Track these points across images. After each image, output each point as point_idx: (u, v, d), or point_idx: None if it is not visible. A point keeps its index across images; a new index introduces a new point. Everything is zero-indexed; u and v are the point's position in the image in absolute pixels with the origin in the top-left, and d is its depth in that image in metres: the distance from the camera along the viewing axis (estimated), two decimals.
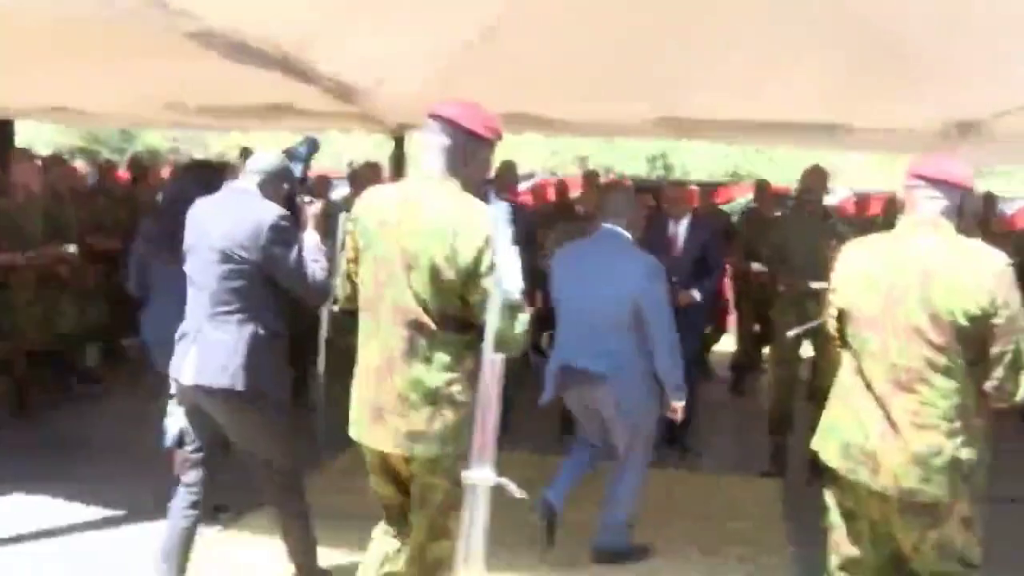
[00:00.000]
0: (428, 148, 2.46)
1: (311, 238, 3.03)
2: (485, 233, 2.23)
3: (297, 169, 3.09)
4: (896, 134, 5.73)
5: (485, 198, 2.35)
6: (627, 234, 3.80)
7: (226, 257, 2.87)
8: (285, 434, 3.01)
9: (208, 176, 3.68)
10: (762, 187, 7.30)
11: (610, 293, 3.59)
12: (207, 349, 2.86)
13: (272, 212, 2.91)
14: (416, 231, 2.34)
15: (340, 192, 8.16)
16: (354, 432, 2.52)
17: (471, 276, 2.27)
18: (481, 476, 2.11)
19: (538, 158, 19.51)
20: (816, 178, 4.42)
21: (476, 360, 2.24)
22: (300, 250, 2.90)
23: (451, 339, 2.34)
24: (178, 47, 4.16)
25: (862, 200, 7.55)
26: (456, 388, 2.35)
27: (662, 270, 3.75)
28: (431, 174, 2.44)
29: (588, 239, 3.89)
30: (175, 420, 3.16)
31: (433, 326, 2.34)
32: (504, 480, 2.07)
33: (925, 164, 2.49)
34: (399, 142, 7.85)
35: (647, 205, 6.31)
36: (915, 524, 2.36)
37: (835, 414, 2.54)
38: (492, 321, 1.99)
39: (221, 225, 2.90)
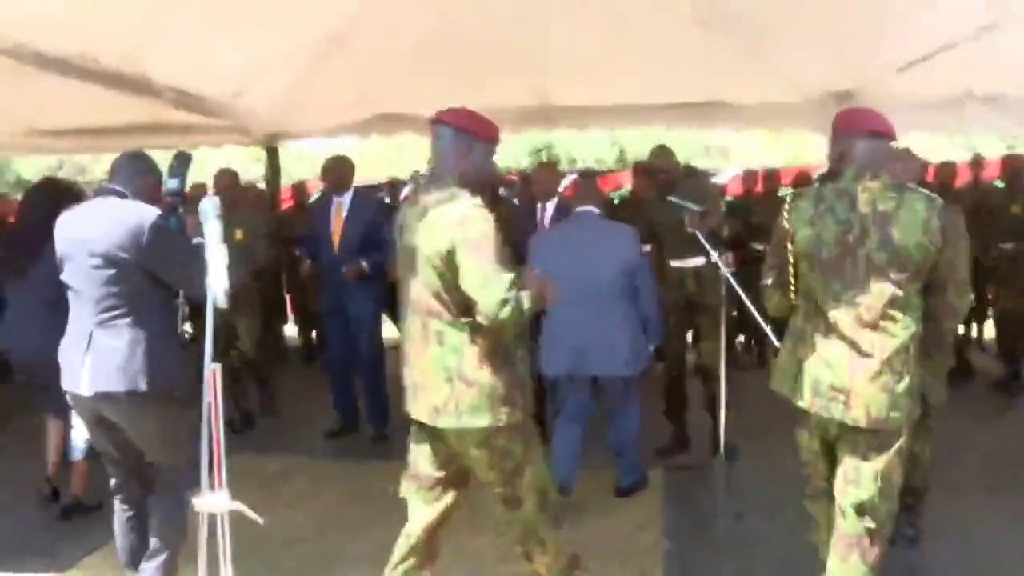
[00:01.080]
0: (431, 151, 2.65)
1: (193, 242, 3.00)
2: (461, 227, 2.45)
3: (174, 184, 3.07)
4: (776, 108, 5.99)
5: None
6: (600, 213, 4.28)
7: (108, 261, 2.85)
8: (184, 434, 2.94)
9: (56, 191, 3.81)
10: (637, 170, 7.46)
11: (611, 266, 4.00)
12: (101, 356, 2.86)
13: (150, 212, 2.86)
14: (418, 227, 2.55)
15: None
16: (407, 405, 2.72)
17: (452, 258, 2.48)
18: (214, 502, 2.21)
19: (419, 159, 19.51)
20: (662, 156, 4.57)
21: (490, 343, 2.51)
22: (182, 248, 2.88)
23: (457, 323, 2.54)
24: (11, 69, 4.02)
25: (749, 176, 7.85)
26: (468, 367, 2.53)
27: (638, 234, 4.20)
28: (434, 175, 2.63)
29: (568, 223, 4.30)
30: (79, 432, 3.15)
31: (441, 311, 2.54)
32: (239, 504, 2.16)
33: (853, 119, 2.68)
34: (272, 152, 7.71)
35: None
36: (871, 451, 2.59)
37: (797, 358, 2.70)
38: (210, 324, 2.26)
39: (97, 230, 2.88)
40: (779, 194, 7.24)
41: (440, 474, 2.73)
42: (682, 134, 15.12)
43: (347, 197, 5.08)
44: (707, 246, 3.84)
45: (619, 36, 4.92)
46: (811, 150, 17.39)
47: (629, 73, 5.45)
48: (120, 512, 3.13)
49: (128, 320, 2.87)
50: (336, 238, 5.03)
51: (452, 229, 2.46)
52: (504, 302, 2.40)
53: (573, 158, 19.05)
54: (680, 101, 6.08)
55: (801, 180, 7.20)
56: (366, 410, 5.22)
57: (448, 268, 2.48)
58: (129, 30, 3.99)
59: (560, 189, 5.18)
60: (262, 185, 7.92)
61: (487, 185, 2.77)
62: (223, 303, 2.46)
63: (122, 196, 2.98)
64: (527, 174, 7.86)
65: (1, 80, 4.41)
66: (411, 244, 2.58)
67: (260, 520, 2.17)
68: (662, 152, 4.69)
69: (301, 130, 7.24)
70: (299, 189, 8.00)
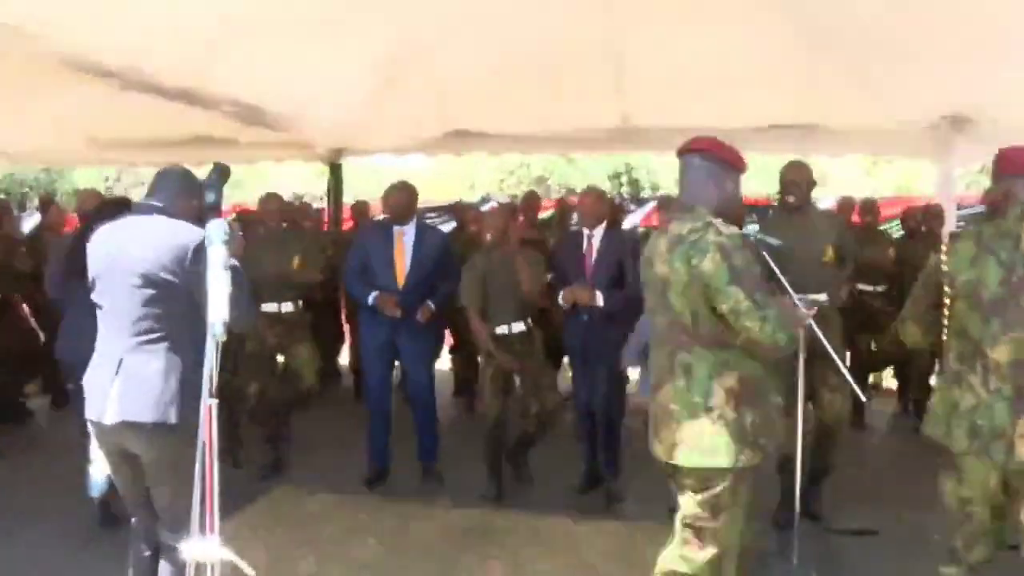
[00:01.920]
0: (680, 180, 2.78)
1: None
2: (716, 251, 2.55)
3: (211, 196, 2.98)
4: (880, 134, 5.71)
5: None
6: None
7: (149, 282, 2.78)
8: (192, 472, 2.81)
9: (118, 204, 3.82)
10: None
11: None
12: (134, 382, 2.78)
13: (196, 232, 2.78)
14: (670, 258, 2.65)
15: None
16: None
17: (710, 289, 2.56)
18: (204, 550, 2.15)
19: (490, 180, 19.53)
20: (795, 172, 4.32)
21: (738, 377, 2.59)
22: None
23: (706, 355, 2.61)
24: (72, 77, 4.07)
25: (845, 205, 7.45)
26: (714, 402, 2.59)
27: None
28: (682, 205, 2.73)
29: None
30: (99, 466, 3.06)
31: (690, 342, 2.62)
32: (230, 553, 2.12)
33: (1021, 158, 2.74)
34: (335, 169, 7.73)
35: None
36: None
37: (951, 401, 2.76)
38: (209, 357, 2.26)
39: (141, 247, 2.82)
40: (879, 228, 6.87)
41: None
42: (776, 160, 14.67)
43: (410, 228, 4.94)
44: (785, 284, 3.49)
45: (709, 54, 4.76)
46: (914, 179, 16.81)
47: (719, 94, 5.25)
48: (137, 553, 3.01)
49: (165, 345, 2.80)
50: (399, 272, 4.89)
51: (708, 259, 2.55)
52: (773, 329, 2.50)
53: (655, 183, 18.79)
54: (774, 123, 5.83)
55: (910, 215, 6.80)
56: (419, 447, 5.07)
57: (703, 298, 2.57)
58: (194, 43, 4.00)
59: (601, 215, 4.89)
60: (320, 203, 7.95)
61: (738, 216, 2.93)
62: (222, 335, 2.37)
63: (163, 213, 2.92)
64: (564, 202, 7.76)
65: (62, 89, 4.49)
66: (661, 274, 2.68)
67: (252, 573, 2.06)
68: (797, 168, 4.36)
69: (367, 146, 7.25)
70: (360, 209, 7.75)
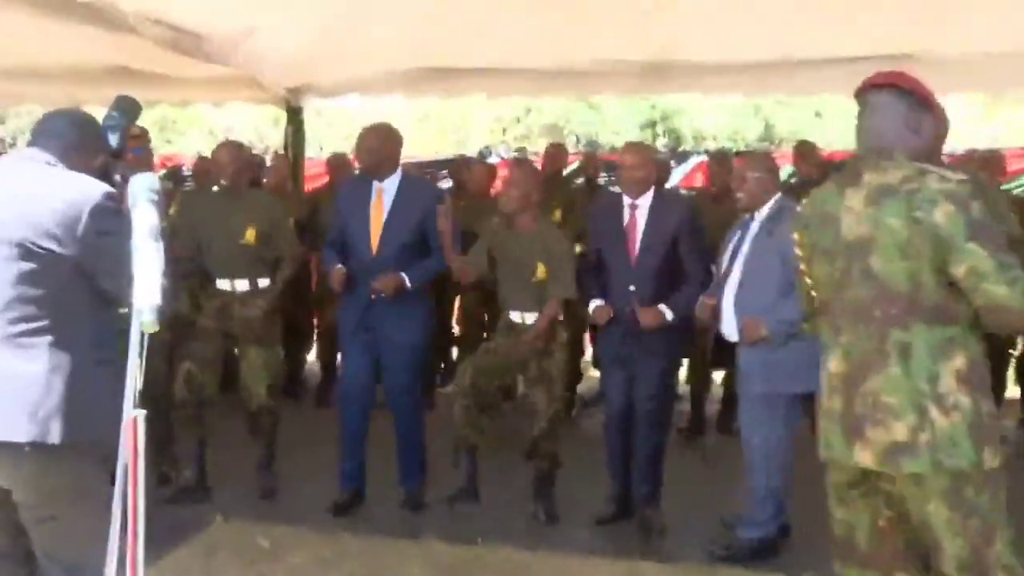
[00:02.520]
0: (861, 123, 2.79)
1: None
2: (947, 201, 2.55)
3: (113, 139, 2.86)
4: (995, 63, 5.63)
5: None
6: None
7: (26, 252, 2.62)
8: (98, 504, 2.66)
9: None
10: (803, 153, 7.14)
11: None
12: (1, 387, 2.64)
13: (95, 189, 2.66)
14: (871, 214, 2.66)
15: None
16: (824, 451, 2.80)
17: (941, 247, 2.56)
18: None
19: (491, 130, 19.43)
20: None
21: (966, 358, 2.59)
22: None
23: (928, 332, 2.60)
24: None
25: (970, 160, 7.06)
26: (944, 388, 2.58)
27: None
28: (877, 150, 2.73)
29: None
30: None
31: (906, 317, 2.61)
32: None
33: None
34: (294, 113, 7.70)
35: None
36: None
37: None
38: (133, 355, 2.22)
39: (12, 208, 2.66)
40: (1004, 187, 6.75)
41: (887, 547, 2.74)
42: (850, 104, 14.53)
43: (392, 182, 4.92)
44: None
45: None
46: None
47: (787, 15, 5.21)
48: None
49: (48, 339, 2.64)
50: (374, 237, 4.88)
51: (939, 210, 2.54)
52: None
53: (699, 132, 18.74)
54: (859, 55, 5.77)
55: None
56: (400, 465, 5.07)
57: (930, 259, 2.56)
58: None
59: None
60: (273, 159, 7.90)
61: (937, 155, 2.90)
62: (151, 325, 2.28)
63: (50, 164, 2.77)
64: (592, 156, 7.74)
65: None
66: (857, 235, 2.67)
67: None
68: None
69: (333, 83, 7.21)
70: (338, 164, 7.65)
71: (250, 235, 5.01)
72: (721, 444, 6.32)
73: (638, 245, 4.64)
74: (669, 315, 4.54)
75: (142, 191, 2.38)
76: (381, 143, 4.90)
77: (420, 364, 5.19)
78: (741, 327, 4.25)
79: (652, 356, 4.61)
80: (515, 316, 4.77)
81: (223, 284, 5.08)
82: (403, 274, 4.82)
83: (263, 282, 5.12)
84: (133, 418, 2.27)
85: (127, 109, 2.81)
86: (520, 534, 4.72)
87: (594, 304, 4.68)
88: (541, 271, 4.65)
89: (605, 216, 4.86)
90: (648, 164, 4.73)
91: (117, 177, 2.79)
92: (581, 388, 7.12)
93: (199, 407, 5.05)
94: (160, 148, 17.61)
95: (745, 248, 4.37)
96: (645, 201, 4.67)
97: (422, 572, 4.29)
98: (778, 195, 4.40)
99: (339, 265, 4.89)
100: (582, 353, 6.82)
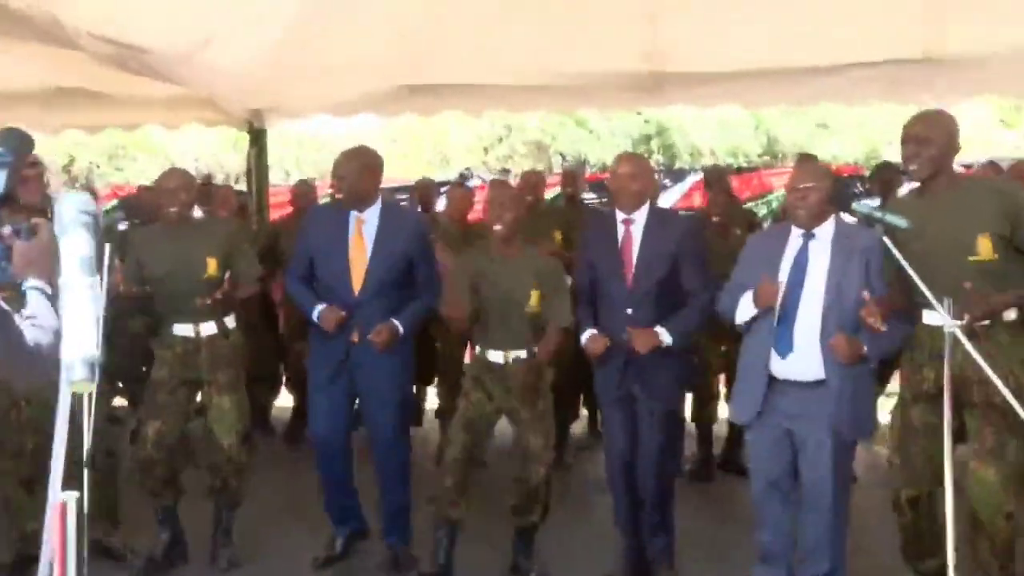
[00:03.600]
0: None
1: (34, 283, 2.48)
2: None
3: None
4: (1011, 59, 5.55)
5: None
6: None
7: None
8: None
9: None
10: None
11: None
12: None
13: None
14: None
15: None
16: None
17: None
18: None
19: (470, 150, 19.38)
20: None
21: None
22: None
23: None
24: None
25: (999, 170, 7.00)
26: None
27: None
28: None
29: None
30: None
31: None
32: None
33: None
34: (257, 136, 7.64)
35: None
36: None
37: None
38: (63, 420, 1.94)
39: None
40: None
41: None
42: (864, 113, 14.61)
43: (372, 213, 4.79)
44: (922, 287, 3.37)
45: None
46: None
47: (787, 21, 5.20)
48: None
49: None
50: (356, 275, 4.74)
51: None
52: None
53: (695, 148, 18.74)
54: (862, 60, 5.75)
55: None
56: (384, 516, 4.95)
57: None
58: None
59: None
60: (242, 186, 7.85)
61: None
62: (87, 383, 2.02)
63: None
64: (572, 174, 7.63)
65: None
66: None
67: None
68: (926, 121, 4.10)
69: (300, 103, 7.17)
70: (304, 192, 7.48)
71: (212, 267, 4.79)
72: (731, 484, 6.21)
73: (634, 264, 4.52)
74: (667, 338, 4.38)
75: (72, 214, 2.16)
76: (362, 169, 4.74)
77: (405, 412, 5.06)
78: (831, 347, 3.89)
79: (655, 392, 4.49)
80: (496, 356, 4.58)
81: (183, 329, 4.86)
82: (395, 321, 4.71)
83: (230, 322, 4.96)
84: (61, 503, 1.98)
85: (15, 145, 2.53)
86: None
87: (587, 334, 4.54)
88: (535, 300, 4.50)
89: (596, 235, 4.75)
90: (645, 175, 4.62)
91: (5, 229, 2.53)
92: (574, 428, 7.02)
93: (173, 468, 4.90)
94: (108, 176, 17.61)
95: (817, 270, 3.98)
96: (640, 216, 4.55)
97: None
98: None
99: (324, 304, 4.73)
100: (578, 390, 6.70)
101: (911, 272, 3.25)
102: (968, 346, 3.14)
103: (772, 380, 3.97)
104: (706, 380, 5.71)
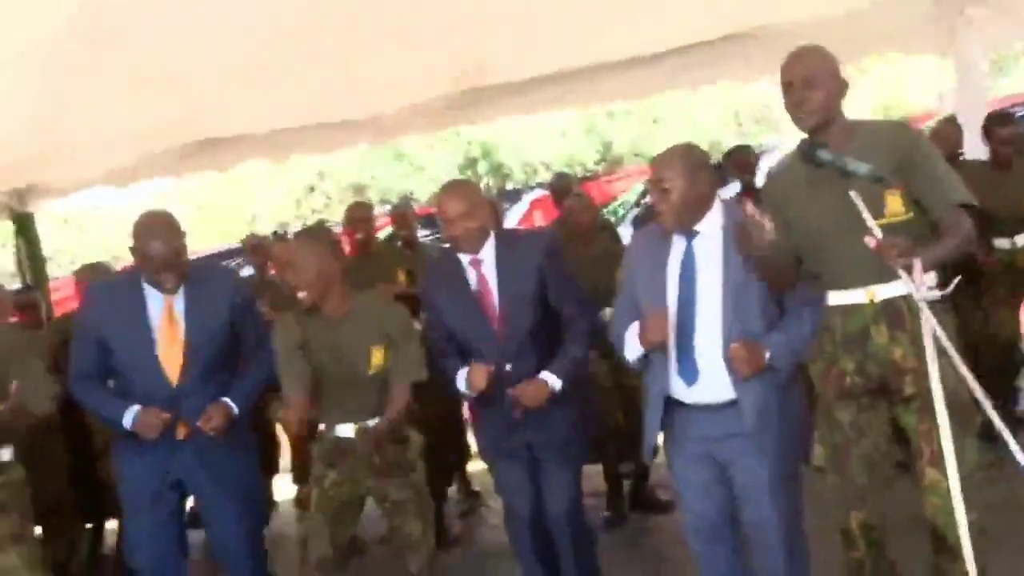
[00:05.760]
0: None
1: None
2: None
3: None
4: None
5: None
6: None
7: None
8: None
9: None
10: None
11: None
12: None
13: None
14: None
15: None
16: None
17: None
18: None
19: (281, 205, 19.14)
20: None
21: None
22: None
23: None
24: None
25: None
26: None
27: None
28: None
29: None
30: None
31: None
32: None
33: None
34: (24, 223, 7.24)
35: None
36: None
37: None
38: None
39: None
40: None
41: None
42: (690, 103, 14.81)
43: (182, 290, 4.37)
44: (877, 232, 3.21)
45: None
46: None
47: (597, 18, 5.26)
48: None
49: None
50: (171, 361, 4.33)
51: None
52: None
53: (529, 164, 18.89)
54: (685, 43, 5.85)
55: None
56: None
57: None
58: None
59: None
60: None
61: None
62: None
63: None
64: (402, 214, 7.44)
65: None
66: None
67: None
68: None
69: (72, 175, 6.85)
70: (88, 277, 7.05)
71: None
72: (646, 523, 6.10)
73: (498, 312, 4.27)
74: (557, 384, 4.14)
75: None
76: (164, 239, 4.29)
77: (259, 511, 4.74)
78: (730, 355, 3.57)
79: (557, 439, 4.23)
80: (344, 431, 4.23)
81: None
82: (226, 400, 4.32)
83: (4, 454, 4.47)
84: None
85: None
86: None
87: (462, 374, 4.20)
88: (378, 357, 4.18)
89: (444, 285, 4.43)
90: (479, 207, 4.30)
91: None
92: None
93: None
94: None
95: (709, 275, 3.68)
96: (489, 253, 4.29)
97: None
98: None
99: (138, 406, 4.23)
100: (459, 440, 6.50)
101: (878, 234, 3.10)
102: (933, 322, 3.03)
103: (680, 405, 3.67)
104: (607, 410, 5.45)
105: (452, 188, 4.38)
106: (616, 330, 3.84)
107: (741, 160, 6.48)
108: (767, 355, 3.47)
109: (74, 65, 4.86)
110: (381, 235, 7.72)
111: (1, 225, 7.77)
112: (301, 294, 4.17)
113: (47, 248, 7.59)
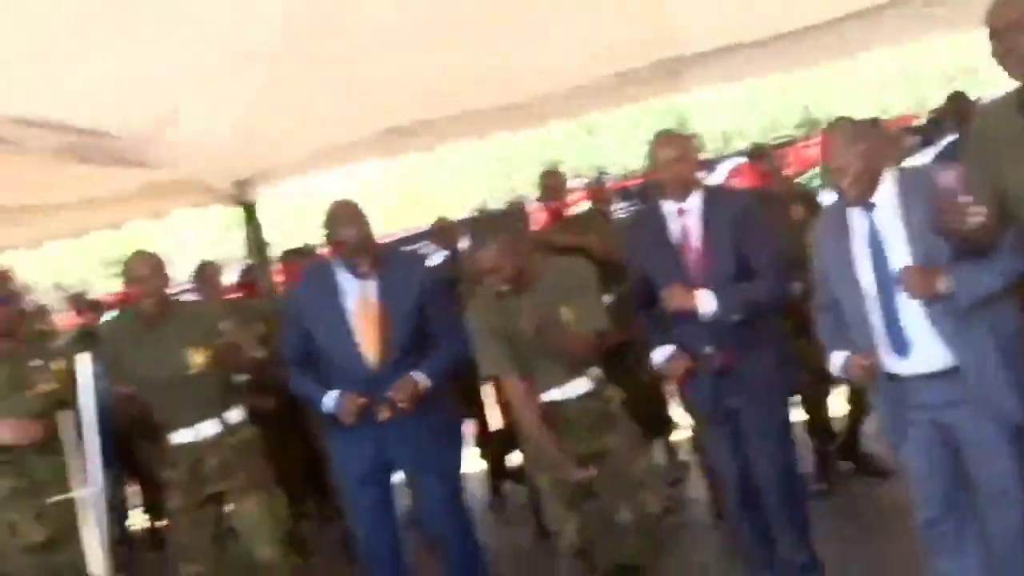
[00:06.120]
0: None
1: None
2: None
3: None
4: None
5: None
6: None
7: None
8: None
9: None
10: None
11: None
12: None
13: None
14: None
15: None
16: None
17: None
18: None
19: (478, 188, 19.22)
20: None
21: None
22: None
23: None
24: None
25: None
26: None
27: None
28: None
29: None
30: None
31: None
32: None
33: None
34: (249, 212, 7.46)
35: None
36: None
37: None
38: None
39: None
40: None
41: None
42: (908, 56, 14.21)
43: (376, 275, 4.56)
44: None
45: None
46: None
47: None
48: None
49: None
50: (369, 343, 4.52)
51: None
52: None
53: (726, 133, 18.57)
54: None
55: None
56: None
57: None
58: None
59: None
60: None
61: None
62: None
63: None
64: (599, 190, 7.45)
65: None
66: None
67: None
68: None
69: (292, 162, 7.02)
70: (293, 264, 7.24)
71: (198, 359, 4.55)
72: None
73: (699, 260, 4.25)
74: (710, 304, 4.11)
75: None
76: (354, 221, 4.52)
77: (459, 477, 4.85)
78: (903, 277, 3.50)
79: (761, 398, 4.21)
80: (555, 394, 4.29)
81: (183, 436, 4.67)
82: (416, 374, 4.48)
83: (234, 415, 4.75)
84: None
85: None
86: None
87: (661, 355, 4.28)
88: (568, 315, 4.20)
89: (645, 236, 4.48)
90: (690, 154, 4.39)
91: None
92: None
93: None
94: (104, 286, 17.67)
95: (896, 243, 3.56)
96: (694, 202, 4.30)
97: None
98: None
99: (337, 391, 4.51)
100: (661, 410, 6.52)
101: None
102: None
103: (895, 378, 3.59)
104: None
105: (666, 135, 4.50)
106: (820, 327, 3.87)
107: (961, 108, 6.26)
108: (943, 284, 3.35)
109: (290, 54, 4.93)
110: (576, 209, 7.80)
111: (231, 211, 8.03)
112: (500, 287, 4.21)
113: (274, 233, 7.84)
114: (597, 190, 7.37)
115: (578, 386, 4.28)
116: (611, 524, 4.31)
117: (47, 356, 4.39)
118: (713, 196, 4.35)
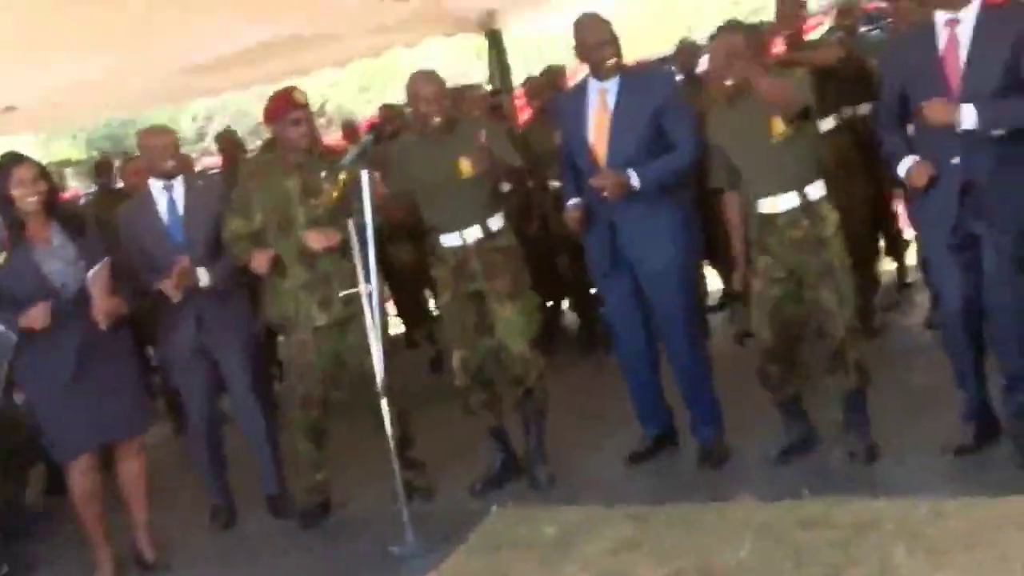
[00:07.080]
0: None
1: None
2: None
3: None
4: None
5: None
6: None
7: None
8: None
9: None
10: None
11: None
12: None
13: None
14: None
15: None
16: None
17: None
18: None
19: (712, 17, 18.78)
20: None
21: None
22: None
23: None
24: None
25: None
26: None
27: None
28: None
29: None
30: None
31: None
32: None
33: None
34: (495, 39, 7.66)
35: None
36: None
37: None
38: None
39: None
40: None
41: None
42: None
43: (612, 83, 4.72)
44: None
45: None
46: None
47: None
48: None
49: None
50: (598, 144, 4.71)
51: None
52: None
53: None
54: None
55: None
56: (691, 413, 4.95)
57: None
58: None
59: None
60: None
61: None
62: None
63: None
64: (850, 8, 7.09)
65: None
66: None
67: None
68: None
69: None
70: (539, 86, 7.15)
71: (465, 166, 4.76)
72: None
73: (961, 73, 3.88)
74: (971, 117, 3.77)
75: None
76: (598, 32, 4.65)
77: (692, 283, 5.01)
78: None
79: (1004, 225, 3.88)
80: (765, 205, 4.36)
81: (450, 239, 4.93)
82: (630, 171, 4.56)
83: (495, 223, 4.96)
84: None
85: None
86: (841, 479, 4.34)
87: (907, 162, 4.03)
88: (778, 128, 4.23)
89: (910, 48, 4.18)
90: None
91: None
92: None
93: (492, 394, 5.08)
94: (361, 111, 18.35)
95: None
96: (969, 14, 3.88)
97: (743, 535, 3.98)
98: None
99: (577, 199, 4.79)
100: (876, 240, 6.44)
101: None
102: None
103: None
104: None
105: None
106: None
107: None
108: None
109: None
110: (816, 33, 7.58)
111: (478, 40, 8.12)
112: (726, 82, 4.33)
113: (517, 61, 7.94)
114: (846, 13, 7.09)
115: (790, 200, 4.34)
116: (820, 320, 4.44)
117: (334, 170, 4.71)
118: (994, 7, 3.91)
